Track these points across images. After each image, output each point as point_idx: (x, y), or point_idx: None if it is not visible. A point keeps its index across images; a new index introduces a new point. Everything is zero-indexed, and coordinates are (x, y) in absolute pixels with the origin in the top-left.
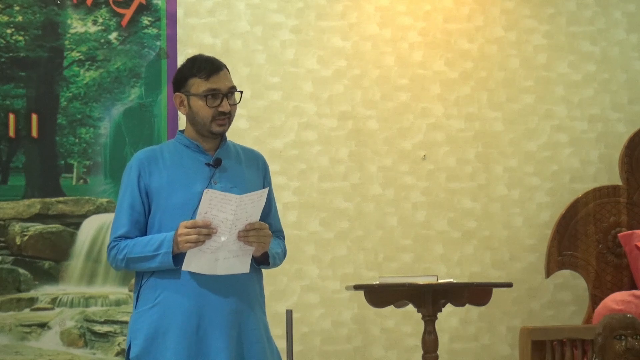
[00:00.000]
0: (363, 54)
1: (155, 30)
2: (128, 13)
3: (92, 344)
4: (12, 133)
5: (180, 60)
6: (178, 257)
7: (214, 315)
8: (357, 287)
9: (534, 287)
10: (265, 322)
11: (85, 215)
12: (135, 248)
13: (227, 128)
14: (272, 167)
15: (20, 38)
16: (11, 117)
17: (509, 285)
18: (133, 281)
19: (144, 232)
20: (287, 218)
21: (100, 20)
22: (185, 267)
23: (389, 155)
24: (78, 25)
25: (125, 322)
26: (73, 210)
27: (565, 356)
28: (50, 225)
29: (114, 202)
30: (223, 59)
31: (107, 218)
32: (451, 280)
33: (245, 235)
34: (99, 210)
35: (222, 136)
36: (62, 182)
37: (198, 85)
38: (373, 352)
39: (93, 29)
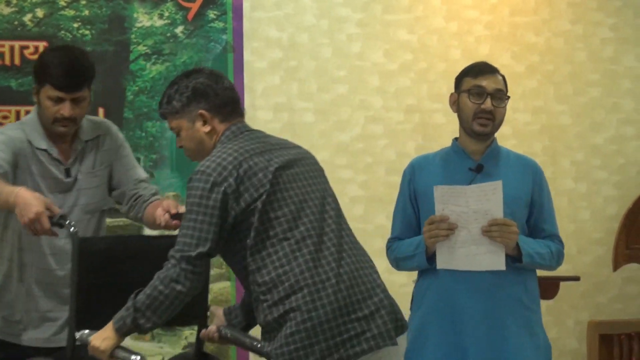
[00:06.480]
0: (429, 48)
1: (221, 24)
2: (194, 7)
3: (159, 337)
4: None
5: (247, 54)
6: (435, 257)
7: (468, 311)
8: None
9: (601, 281)
10: (528, 318)
11: None
12: (401, 248)
13: (490, 130)
14: (338, 161)
15: (87, 32)
16: None
17: (577, 278)
18: None
19: (417, 234)
20: (353, 212)
21: (166, 14)
22: (440, 264)
23: None
24: (144, 19)
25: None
26: None
27: (633, 350)
28: (117, 219)
29: (180, 196)
30: (289, 53)
31: None
32: None
33: (489, 230)
34: None
35: (489, 139)
36: None
37: (467, 82)
38: None
39: (159, 22)
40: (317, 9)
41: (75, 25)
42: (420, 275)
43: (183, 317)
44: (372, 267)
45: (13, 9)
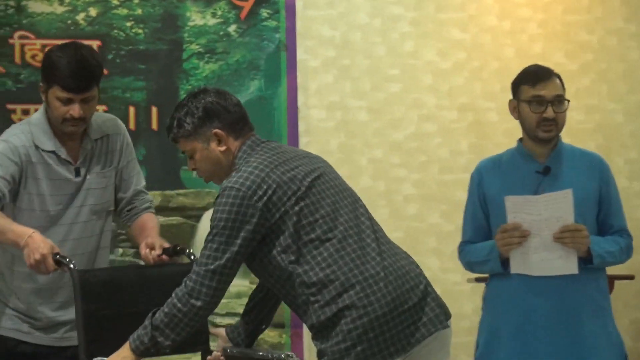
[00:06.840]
0: (482, 46)
1: (274, 23)
2: (247, 5)
3: (212, 336)
4: (132, 126)
5: (300, 53)
6: (508, 261)
7: (539, 316)
8: (479, 280)
9: None
10: (602, 316)
11: (205, 208)
12: (473, 253)
13: (555, 134)
14: (392, 159)
15: (140, 31)
16: (131, 109)
17: (631, 277)
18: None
19: (489, 237)
20: (406, 210)
21: (219, 12)
22: (514, 270)
23: (510, 147)
24: (197, 17)
25: None
26: (193, 202)
27: None
28: (171, 218)
29: None
30: (342, 51)
31: None
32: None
33: (560, 236)
34: None
35: (554, 142)
36: (182, 174)
37: (525, 92)
38: None
39: (212, 21)
40: (370, 8)
41: (128, 24)
42: (491, 277)
43: (185, 345)
44: (409, 257)
45: (66, 8)
